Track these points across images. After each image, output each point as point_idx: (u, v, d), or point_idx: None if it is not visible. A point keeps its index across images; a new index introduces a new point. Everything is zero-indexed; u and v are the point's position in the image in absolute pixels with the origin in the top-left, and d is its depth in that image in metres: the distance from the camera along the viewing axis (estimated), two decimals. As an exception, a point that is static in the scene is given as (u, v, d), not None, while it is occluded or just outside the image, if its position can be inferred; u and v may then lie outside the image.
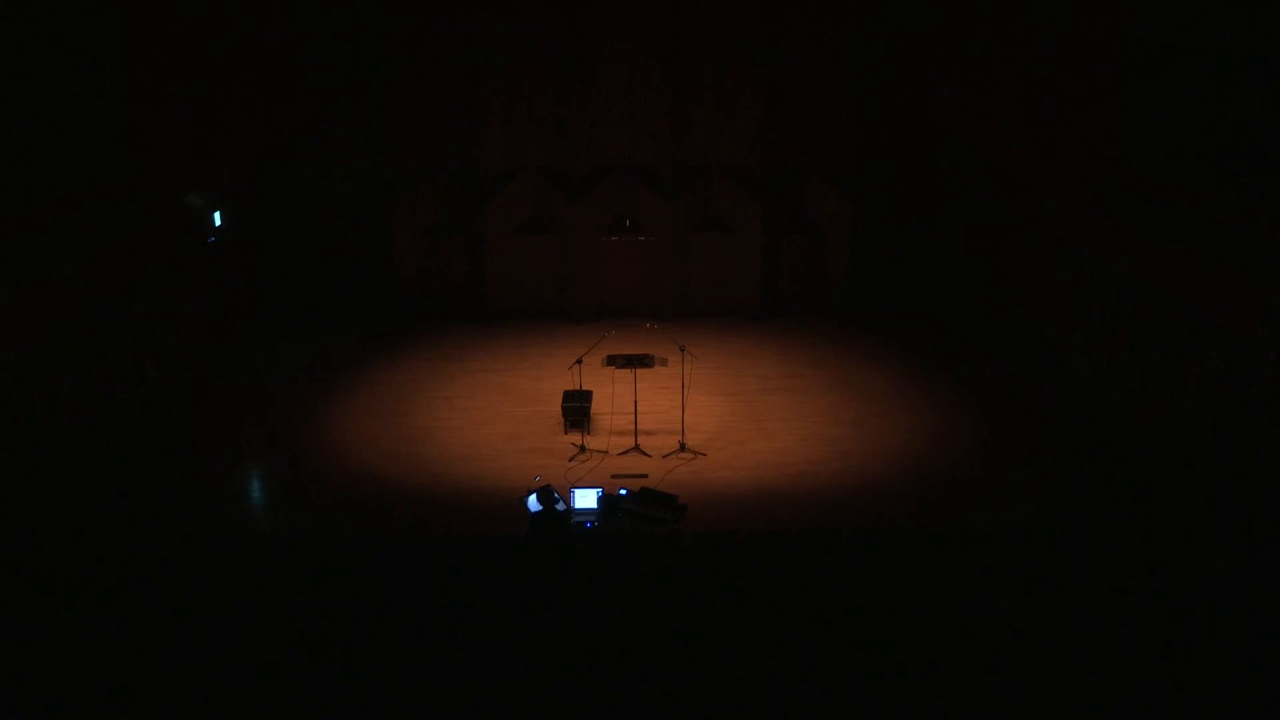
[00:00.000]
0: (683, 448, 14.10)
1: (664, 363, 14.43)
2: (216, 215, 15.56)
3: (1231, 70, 12.01)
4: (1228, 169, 12.15)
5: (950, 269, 18.55)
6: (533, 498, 11.85)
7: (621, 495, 12.37)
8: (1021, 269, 16.90)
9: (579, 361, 14.33)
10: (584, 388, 14.55)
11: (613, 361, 14.37)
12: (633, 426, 14.16)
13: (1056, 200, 15.59)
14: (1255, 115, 11.68)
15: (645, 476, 13.15)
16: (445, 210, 18.61)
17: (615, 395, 14.66)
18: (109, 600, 9.32)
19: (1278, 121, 11.35)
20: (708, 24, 17.79)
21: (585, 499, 12.24)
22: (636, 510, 12.21)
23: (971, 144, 17.40)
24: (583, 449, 14.16)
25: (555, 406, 14.93)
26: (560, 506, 11.51)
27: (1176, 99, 12.98)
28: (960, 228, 18.14)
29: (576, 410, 14.45)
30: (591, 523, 12.11)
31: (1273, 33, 11.28)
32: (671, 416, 14.64)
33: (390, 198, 18.27)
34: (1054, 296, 15.86)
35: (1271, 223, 11.32)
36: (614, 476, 13.27)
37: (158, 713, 7.45)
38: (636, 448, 13.96)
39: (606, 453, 13.81)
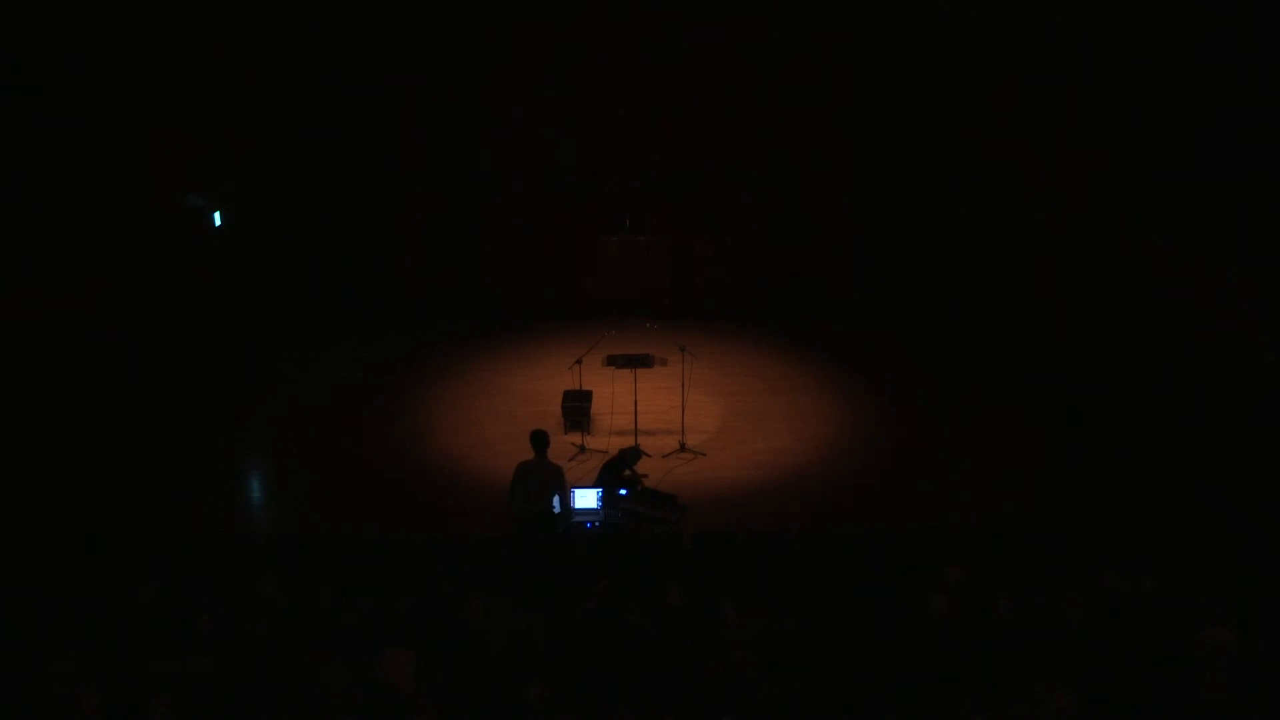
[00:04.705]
0: (683, 448, 14.09)
1: (664, 363, 14.43)
2: (216, 215, 15.55)
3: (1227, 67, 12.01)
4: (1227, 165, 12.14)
5: (950, 268, 18.50)
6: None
7: (621, 495, 12.37)
8: (1020, 268, 16.88)
9: (579, 361, 14.32)
10: (584, 388, 14.54)
11: (613, 361, 14.37)
12: (633, 426, 14.14)
13: (1053, 197, 15.59)
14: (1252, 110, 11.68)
15: (646, 476, 13.14)
16: (446, 210, 18.58)
17: (615, 395, 14.64)
18: (106, 600, 9.33)
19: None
20: (710, 25, 17.77)
21: (585, 499, 12.25)
22: (637, 510, 12.21)
23: (972, 141, 17.40)
24: (583, 449, 14.15)
25: (555, 406, 14.92)
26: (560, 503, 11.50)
27: (1173, 92, 12.98)
28: (959, 226, 18.10)
29: (576, 410, 14.44)
30: (592, 523, 12.12)
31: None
32: (671, 416, 14.63)
33: (394, 196, 18.28)
34: (1051, 295, 15.84)
35: (1271, 219, 11.32)
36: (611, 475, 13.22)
37: (154, 712, 7.44)
38: (636, 448, 13.93)
39: (607, 452, 13.78)
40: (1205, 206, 12.42)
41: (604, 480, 12.53)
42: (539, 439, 11.19)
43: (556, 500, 11.19)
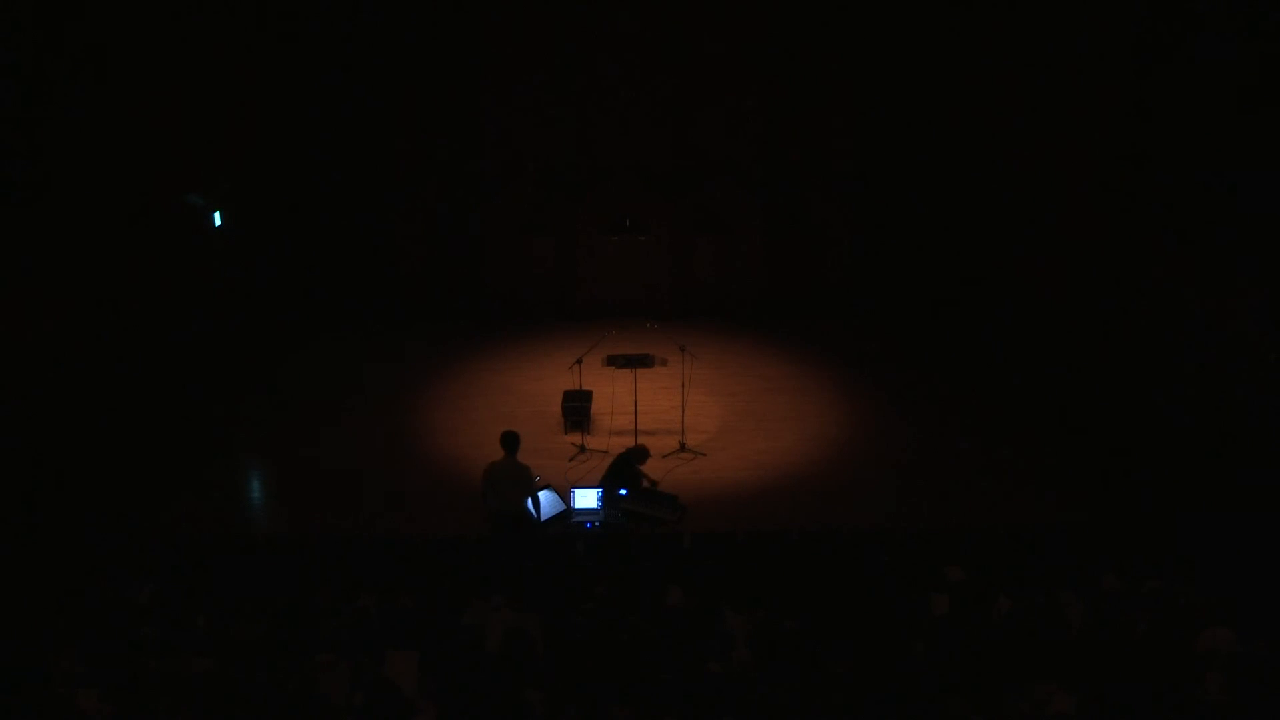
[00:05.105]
0: (683, 448, 14.09)
1: (664, 363, 14.42)
2: (216, 215, 15.56)
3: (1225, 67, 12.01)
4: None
5: (950, 268, 18.51)
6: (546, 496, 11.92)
7: (621, 495, 12.37)
8: (1020, 267, 16.88)
9: (579, 361, 14.31)
10: (584, 388, 14.54)
11: (613, 361, 14.36)
12: (633, 426, 14.14)
13: (1054, 197, 15.59)
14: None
15: (648, 476, 13.13)
16: (446, 210, 18.58)
17: (615, 395, 14.64)
18: (106, 600, 9.33)
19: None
20: (709, 25, 17.77)
21: (585, 499, 12.26)
22: (637, 510, 12.22)
23: (972, 141, 17.40)
24: (583, 449, 14.15)
25: (555, 406, 14.92)
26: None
27: (1173, 92, 12.99)
28: (959, 226, 18.11)
29: (576, 410, 14.44)
30: (592, 523, 12.13)
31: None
32: (671, 416, 14.62)
33: (394, 197, 18.28)
34: (1052, 294, 15.84)
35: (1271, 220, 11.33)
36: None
37: (154, 712, 7.45)
38: (642, 447, 13.91)
39: (607, 452, 13.78)
40: (1205, 206, 12.42)
41: (609, 480, 12.54)
42: (508, 440, 11.24)
43: (530, 500, 11.28)
